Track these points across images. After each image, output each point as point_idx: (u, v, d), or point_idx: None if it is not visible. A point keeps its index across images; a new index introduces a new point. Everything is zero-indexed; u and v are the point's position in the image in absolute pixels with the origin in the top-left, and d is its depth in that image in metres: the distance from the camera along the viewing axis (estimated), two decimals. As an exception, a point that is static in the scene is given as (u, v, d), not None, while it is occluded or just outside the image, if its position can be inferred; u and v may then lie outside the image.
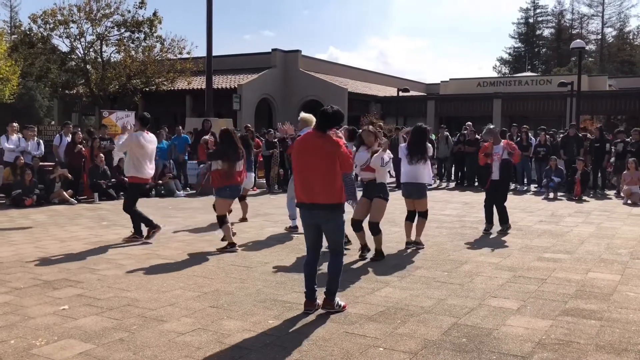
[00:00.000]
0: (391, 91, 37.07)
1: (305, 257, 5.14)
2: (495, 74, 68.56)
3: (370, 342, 4.29)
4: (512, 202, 12.84)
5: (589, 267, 6.75)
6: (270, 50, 33.75)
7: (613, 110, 33.12)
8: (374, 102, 36.07)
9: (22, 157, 12.75)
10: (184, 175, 15.98)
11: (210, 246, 7.88)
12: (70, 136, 13.79)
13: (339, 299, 5.05)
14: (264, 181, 16.28)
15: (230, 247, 7.58)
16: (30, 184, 12.24)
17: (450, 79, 41.85)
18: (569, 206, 12.66)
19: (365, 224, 7.14)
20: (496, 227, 9.20)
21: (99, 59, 27.83)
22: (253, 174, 10.45)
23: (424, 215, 7.90)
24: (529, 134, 16.77)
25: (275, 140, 15.81)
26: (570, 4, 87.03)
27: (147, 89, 28.82)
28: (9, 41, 25.01)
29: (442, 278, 6.19)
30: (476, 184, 16.47)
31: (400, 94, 31.54)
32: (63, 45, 27.99)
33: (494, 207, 9.17)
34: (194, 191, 15.14)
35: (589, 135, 16.60)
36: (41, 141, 14.15)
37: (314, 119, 6.65)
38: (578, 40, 26.32)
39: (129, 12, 26.96)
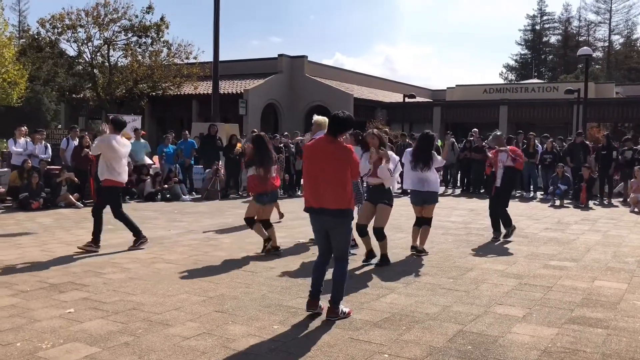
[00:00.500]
0: (397, 97, 37.08)
1: (316, 259, 5.17)
2: (501, 81, 68.51)
3: (376, 349, 4.28)
4: (518, 209, 12.81)
5: (596, 275, 6.71)
6: (276, 56, 33.87)
7: (620, 118, 33.00)
8: (380, 108, 36.09)
9: (29, 161, 12.82)
10: (190, 179, 16.02)
11: (216, 250, 7.89)
12: (77, 140, 13.86)
13: (343, 306, 5.04)
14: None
15: (266, 242, 7.75)
16: (37, 187, 12.30)
17: (456, 85, 41.81)
18: (576, 214, 12.61)
19: (369, 229, 7.13)
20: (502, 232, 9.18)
21: (106, 64, 27.99)
22: None
23: (429, 222, 7.86)
24: (536, 141, 16.73)
25: (281, 145, 15.83)
26: (577, 11, 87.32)
27: (154, 94, 28.96)
28: (18, 45, 25.19)
29: (448, 285, 6.17)
30: (482, 190, 16.44)
31: (406, 100, 31.55)
32: (70, 50, 28.22)
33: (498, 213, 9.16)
34: (200, 196, 15.17)
35: (600, 142, 16.46)
36: (48, 145, 14.23)
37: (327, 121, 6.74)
38: (585, 47, 26.26)
39: (137, 17, 27.16)
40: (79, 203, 12.69)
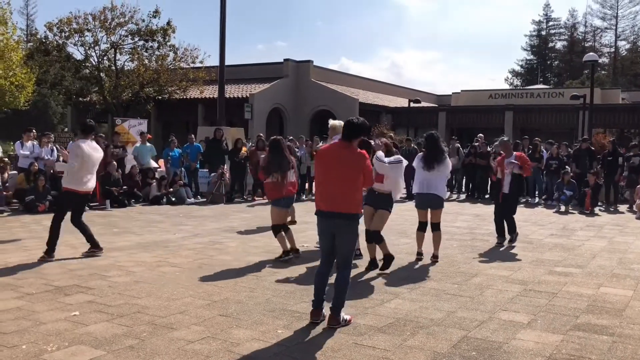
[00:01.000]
0: (402, 102, 37.10)
1: (318, 267, 5.14)
2: (507, 86, 68.41)
3: (380, 354, 4.28)
4: (523, 215, 12.77)
5: (601, 281, 6.69)
6: (282, 61, 33.96)
7: (626, 124, 32.91)
8: (385, 112, 36.12)
9: (36, 164, 12.88)
10: (195, 183, 16.05)
11: (221, 254, 7.90)
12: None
13: (344, 314, 4.99)
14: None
15: (285, 255, 7.58)
16: (44, 190, 12.35)
17: (461, 91, 41.81)
18: (581, 220, 12.57)
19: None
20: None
21: (113, 67, 28.16)
22: None
23: (438, 227, 7.81)
24: (541, 146, 16.69)
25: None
26: (583, 16, 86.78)
27: (160, 97, 29.10)
28: (25, 49, 25.36)
29: (452, 290, 6.16)
30: (487, 196, 16.40)
31: (412, 105, 31.58)
32: (78, 53, 28.45)
33: (504, 219, 9.11)
34: (205, 199, 15.20)
35: (606, 148, 16.38)
36: (55, 148, 14.29)
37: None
38: (591, 53, 26.22)
39: (143, 21, 27.35)
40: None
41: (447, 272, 7.08)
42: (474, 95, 40.04)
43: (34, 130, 13.87)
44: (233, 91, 31.48)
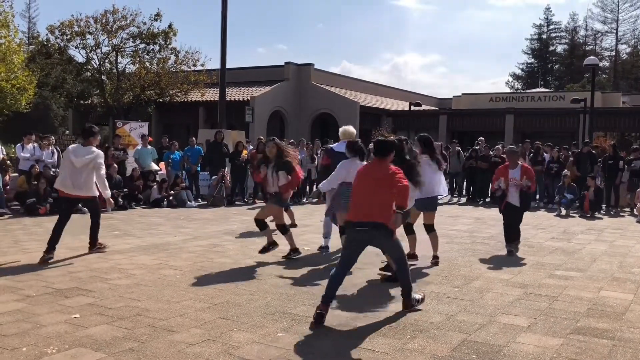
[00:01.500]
0: (403, 105, 37.13)
1: (335, 269, 5.27)
2: (508, 90, 68.47)
3: (379, 357, 4.28)
4: (524, 218, 12.71)
5: (601, 285, 6.69)
6: (283, 64, 34.01)
7: (627, 127, 32.92)
8: (386, 115, 36.14)
9: (37, 166, 12.90)
10: (196, 186, 16.07)
11: (221, 257, 7.91)
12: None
13: (415, 294, 5.48)
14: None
15: (294, 252, 7.90)
16: (44, 192, 12.37)
17: (462, 94, 41.83)
18: (581, 223, 12.56)
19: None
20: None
21: (114, 70, 28.22)
22: None
23: (433, 228, 7.84)
24: (543, 150, 16.70)
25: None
26: (584, 20, 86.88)
27: (161, 100, 29.13)
28: (27, 52, 25.42)
29: (453, 294, 6.16)
30: (488, 199, 16.41)
31: (412, 108, 31.60)
32: (79, 56, 28.49)
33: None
34: (206, 202, 15.21)
35: (607, 151, 16.38)
36: (55, 150, 14.32)
37: (353, 133, 8.12)
38: (591, 57, 26.27)
39: (145, 24, 27.40)
40: (85, 208, 12.73)
41: (447, 275, 7.08)
42: (474, 98, 40.06)
43: (33, 135, 13.91)
44: (234, 94, 31.52)
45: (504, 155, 15.92)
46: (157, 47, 27.97)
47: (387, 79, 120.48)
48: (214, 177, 15.52)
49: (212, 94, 30.62)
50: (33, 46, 30.40)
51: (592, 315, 5.44)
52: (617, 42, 70.55)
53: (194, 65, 28.68)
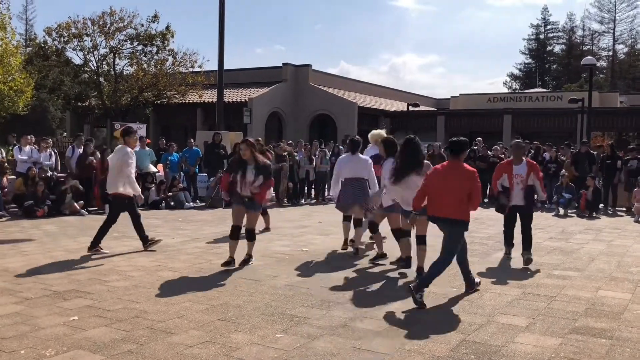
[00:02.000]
0: (401, 106, 37.15)
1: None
2: (505, 90, 68.54)
3: (378, 358, 4.28)
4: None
5: (599, 285, 6.70)
6: (281, 65, 34.02)
7: (624, 127, 32.97)
8: (384, 116, 36.15)
9: (34, 168, 12.89)
10: (194, 187, 16.05)
11: (219, 259, 7.90)
12: (82, 148, 13.93)
13: (420, 296, 5.62)
14: (273, 194, 16.32)
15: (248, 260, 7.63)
16: (42, 195, 12.35)
17: (460, 94, 41.85)
18: (580, 223, 12.58)
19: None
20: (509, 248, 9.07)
21: (112, 72, 28.21)
22: None
23: (402, 234, 7.44)
24: (543, 150, 16.71)
25: (285, 153, 15.88)
26: (581, 20, 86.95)
27: (159, 102, 29.11)
28: (24, 54, 25.40)
29: (451, 294, 6.17)
30: (486, 200, 16.41)
31: (410, 108, 31.61)
32: (77, 58, 28.49)
33: (515, 230, 8.16)
34: (204, 204, 15.21)
35: (605, 151, 16.40)
36: (53, 153, 14.31)
37: (382, 135, 8.23)
38: (589, 57, 26.32)
39: (142, 25, 27.40)
40: (83, 211, 12.74)
41: (446, 275, 7.05)
42: (472, 99, 40.09)
43: (30, 136, 13.91)
44: (232, 95, 31.52)
45: (502, 156, 15.96)
46: (154, 49, 27.98)
47: (385, 79, 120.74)
48: (212, 179, 15.51)
49: (210, 96, 30.62)
50: (30, 48, 30.41)
51: (590, 315, 5.45)
52: (614, 42, 70.77)
53: (192, 66, 28.70)
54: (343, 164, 8.42)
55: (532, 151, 16.64)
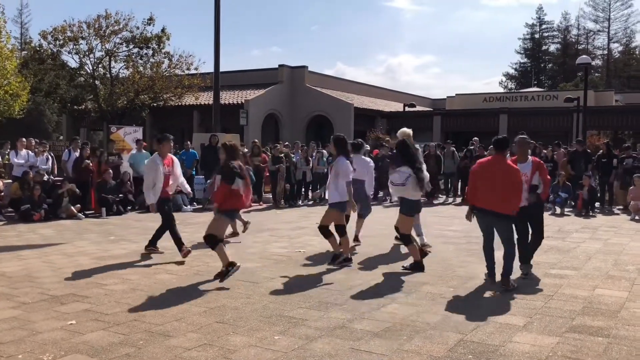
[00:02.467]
0: (397, 106, 37.19)
1: (483, 243, 6.69)
2: (501, 90, 68.66)
3: (377, 359, 4.29)
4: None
5: (596, 283, 6.72)
6: (277, 66, 34.03)
7: (620, 126, 33.06)
8: (380, 117, 36.16)
9: (31, 172, 12.85)
10: (191, 190, 16.00)
11: (217, 261, 7.88)
12: (79, 151, 13.91)
13: (513, 280, 6.40)
14: (270, 196, 16.33)
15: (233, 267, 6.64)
16: (39, 198, 12.33)
17: (456, 94, 41.92)
18: (576, 222, 12.61)
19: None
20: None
21: (108, 75, 28.14)
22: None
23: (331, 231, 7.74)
24: (541, 149, 16.72)
25: (282, 155, 15.88)
26: (576, 19, 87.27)
27: (155, 105, 29.06)
28: (20, 57, 25.33)
29: (448, 294, 6.18)
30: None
31: (407, 109, 31.63)
32: (72, 61, 28.39)
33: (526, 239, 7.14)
34: (201, 206, 15.19)
35: (600, 150, 16.42)
36: (50, 156, 14.28)
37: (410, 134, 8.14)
38: (584, 56, 26.35)
39: (138, 28, 27.32)
40: (80, 214, 12.71)
41: (443, 275, 7.09)
42: (468, 99, 40.15)
43: (24, 139, 13.88)
44: (228, 97, 31.50)
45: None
46: (150, 52, 27.92)
47: (382, 80, 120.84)
48: (209, 181, 15.48)
49: (206, 98, 30.58)
50: (26, 52, 30.28)
51: (587, 314, 5.47)
52: (609, 41, 70.96)
53: (188, 69, 28.65)
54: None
55: (530, 150, 16.65)
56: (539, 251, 8.75)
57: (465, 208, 7.04)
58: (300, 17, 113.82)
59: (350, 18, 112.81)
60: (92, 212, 13.39)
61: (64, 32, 26.49)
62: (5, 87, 19.83)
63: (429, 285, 6.57)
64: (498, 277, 6.55)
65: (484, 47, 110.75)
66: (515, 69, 75.94)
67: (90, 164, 13.67)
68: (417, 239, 8.35)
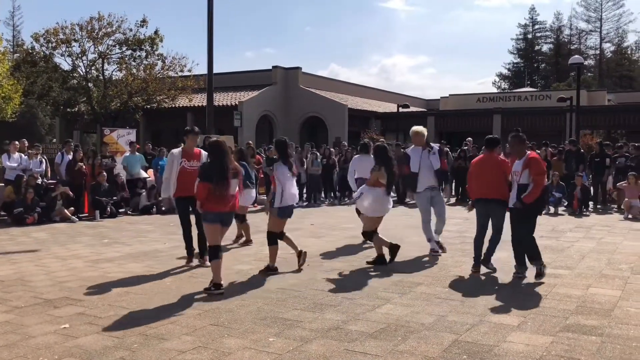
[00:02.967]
0: (391, 107, 37.25)
1: (475, 235, 7.30)
2: (494, 90, 68.88)
3: (371, 360, 4.29)
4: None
5: (590, 282, 6.74)
6: (270, 68, 34.01)
7: (612, 125, 33.24)
8: (374, 118, 36.22)
9: (25, 176, 12.79)
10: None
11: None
12: (72, 154, 13.85)
13: (492, 264, 7.18)
14: (265, 198, 16.29)
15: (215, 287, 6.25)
16: (32, 202, 12.27)
17: (449, 95, 42.07)
18: (570, 221, 12.66)
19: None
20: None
21: (101, 77, 28.04)
22: (253, 190, 10.40)
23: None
24: (536, 149, 16.80)
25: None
26: (569, 19, 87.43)
27: (148, 107, 28.97)
28: (12, 60, 25.21)
29: (443, 294, 6.19)
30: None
31: (400, 110, 31.68)
32: (65, 64, 28.24)
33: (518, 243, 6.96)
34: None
35: (593, 149, 16.51)
36: (43, 159, 14.21)
37: (425, 132, 8.65)
38: (576, 55, 26.48)
39: (131, 30, 27.23)
40: (74, 217, 12.66)
41: (438, 276, 7.10)
42: (462, 99, 40.29)
43: (17, 142, 13.82)
44: (222, 99, 31.46)
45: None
46: (143, 54, 27.82)
47: (376, 81, 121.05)
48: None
49: (200, 99, 30.53)
50: (18, 54, 30.12)
51: (581, 313, 5.48)
52: (601, 41, 71.36)
53: (181, 70, 28.57)
54: (357, 162, 9.58)
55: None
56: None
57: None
58: (293, 18, 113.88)
59: (343, 19, 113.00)
60: (86, 215, 13.34)
61: (56, 35, 26.38)
62: (-2, 90, 19.72)
63: (423, 286, 6.57)
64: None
65: (477, 47, 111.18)
66: (509, 69, 76.26)
67: (84, 167, 13.62)
68: (429, 243, 8.61)
